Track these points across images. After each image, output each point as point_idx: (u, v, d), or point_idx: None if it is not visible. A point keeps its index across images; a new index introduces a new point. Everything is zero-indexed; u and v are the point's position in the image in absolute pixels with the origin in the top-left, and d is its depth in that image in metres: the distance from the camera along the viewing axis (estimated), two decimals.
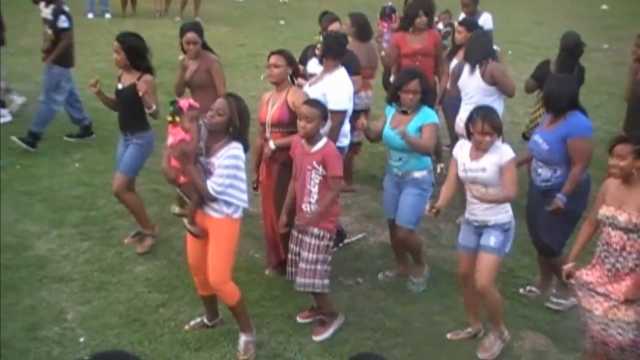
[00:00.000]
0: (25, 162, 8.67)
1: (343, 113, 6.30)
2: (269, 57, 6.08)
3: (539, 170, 5.86)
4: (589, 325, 4.95)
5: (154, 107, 6.37)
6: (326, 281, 5.43)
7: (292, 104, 5.84)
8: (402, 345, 5.56)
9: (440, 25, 9.66)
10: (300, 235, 5.43)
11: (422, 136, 5.82)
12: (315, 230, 5.33)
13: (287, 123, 5.87)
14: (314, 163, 5.29)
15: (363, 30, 8.04)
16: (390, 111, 6.05)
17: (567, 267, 5.11)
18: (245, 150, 5.08)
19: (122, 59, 6.45)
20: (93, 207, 7.56)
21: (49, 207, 7.52)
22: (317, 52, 6.56)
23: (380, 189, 6.26)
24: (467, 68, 7.28)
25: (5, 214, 7.36)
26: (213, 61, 7.05)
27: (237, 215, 5.12)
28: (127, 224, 7.08)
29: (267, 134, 6.01)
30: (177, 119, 5.04)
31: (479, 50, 7.28)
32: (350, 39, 7.48)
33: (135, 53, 6.45)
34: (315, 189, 5.33)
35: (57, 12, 8.92)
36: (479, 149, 5.19)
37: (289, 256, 5.57)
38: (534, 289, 6.34)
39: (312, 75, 6.80)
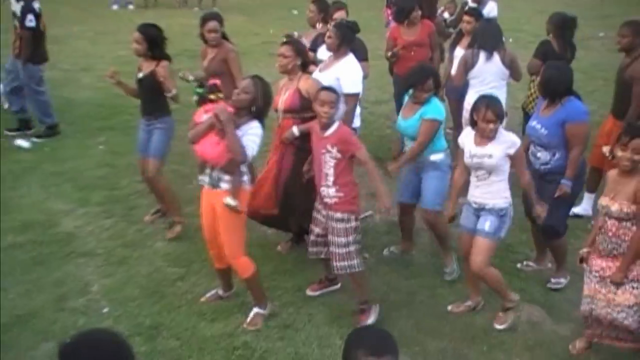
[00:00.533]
0: (54, 145, 8.76)
1: (356, 96, 6.33)
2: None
3: (538, 154, 5.79)
4: (592, 310, 4.94)
5: (173, 90, 6.40)
6: (359, 260, 5.35)
7: (305, 91, 5.80)
8: (406, 317, 5.58)
9: (446, 14, 9.61)
10: (323, 219, 5.34)
11: (418, 130, 5.78)
12: (339, 215, 5.21)
13: (299, 109, 5.84)
14: (328, 146, 5.16)
15: (328, 15, 7.76)
16: (405, 99, 6.03)
17: (582, 251, 5.05)
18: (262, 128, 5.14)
19: (143, 48, 6.44)
20: (116, 186, 7.61)
21: (75, 186, 7.58)
22: (326, 39, 6.52)
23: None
24: (483, 55, 7.21)
25: (35, 194, 7.45)
26: (230, 50, 7.03)
27: (246, 187, 5.18)
28: (147, 202, 7.13)
29: (280, 120, 6.00)
30: (214, 96, 5.13)
31: (495, 36, 7.32)
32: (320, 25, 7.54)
33: (154, 43, 6.45)
34: (330, 171, 5.19)
35: (25, 10, 8.72)
36: (484, 136, 5.14)
37: (311, 237, 5.51)
38: (531, 263, 6.35)
39: (321, 61, 6.79)
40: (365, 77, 6.79)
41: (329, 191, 5.22)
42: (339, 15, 7.38)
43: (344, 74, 6.19)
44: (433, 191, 5.96)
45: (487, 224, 5.20)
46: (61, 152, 8.57)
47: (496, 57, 7.24)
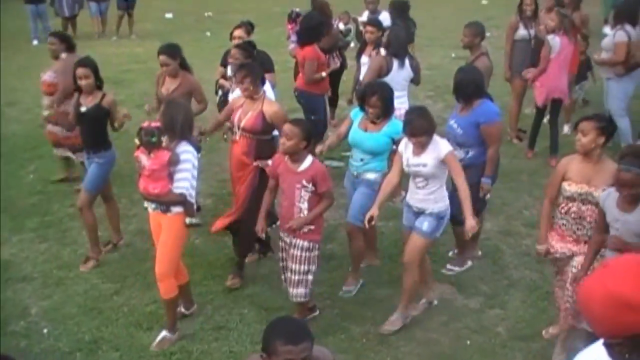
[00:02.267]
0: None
1: None
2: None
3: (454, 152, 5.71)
4: (571, 292, 4.73)
5: (116, 124, 6.22)
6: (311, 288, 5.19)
7: (269, 117, 5.61)
8: (330, 307, 5.64)
9: (341, 25, 9.68)
10: (288, 248, 5.13)
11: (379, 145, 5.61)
12: (306, 243, 5.01)
13: (260, 131, 5.67)
14: (304, 181, 4.91)
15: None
16: (358, 114, 5.79)
17: (541, 248, 4.91)
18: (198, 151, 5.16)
19: (92, 81, 6.05)
20: (48, 212, 7.39)
21: (9, 215, 7.31)
22: (230, 60, 6.56)
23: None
24: (396, 62, 7.16)
25: None
26: (193, 83, 6.55)
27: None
28: (79, 224, 6.93)
29: (237, 137, 5.78)
30: (157, 141, 4.92)
31: (404, 44, 7.38)
32: None
33: (97, 72, 6.14)
34: (304, 205, 4.96)
35: None
36: (417, 147, 5.04)
37: (280, 264, 5.31)
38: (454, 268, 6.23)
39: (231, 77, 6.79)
40: (273, 86, 6.79)
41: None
42: (238, 33, 7.30)
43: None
44: (359, 207, 5.66)
45: (425, 224, 5.11)
46: None
47: (407, 63, 7.27)
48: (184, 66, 6.56)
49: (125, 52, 15.12)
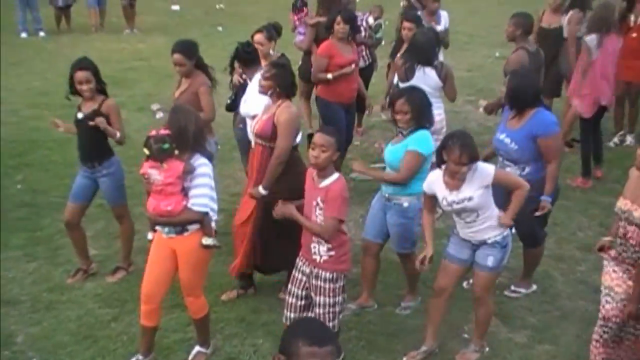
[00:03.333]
0: None
1: None
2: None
3: (507, 169, 5.74)
4: (605, 306, 4.83)
5: (118, 134, 6.14)
6: (340, 317, 5.15)
7: (276, 119, 5.68)
8: (357, 338, 5.65)
9: (371, 19, 9.69)
10: (309, 280, 5.00)
11: (400, 164, 5.54)
12: (328, 274, 4.91)
13: (269, 138, 5.73)
14: (319, 199, 4.80)
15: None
16: None
17: (605, 239, 4.93)
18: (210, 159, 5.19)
19: (94, 86, 6.08)
20: (38, 227, 7.47)
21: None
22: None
23: None
24: (419, 69, 7.12)
25: None
26: (202, 84, 6.52)
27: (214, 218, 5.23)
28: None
29: (252, 144, 5.96)
30: (170, 148, 4.94)
31: (428, 48, 7.24)
32: None
33: (99, 76, 6.16)
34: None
35: None
36: (455, 179, 4.96)
37: (290, 299, 5.14)
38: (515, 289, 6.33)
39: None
40: None
41: (319, 248, 4.89)
42: (258, 38, 7.26)
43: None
44: (400, 237, 5.77)
45: (490, 259, 5.10)
46: None
47: (432, 70, 7.17)
48: (200, 66, 6.61)
49: (126, 48, 15.26)
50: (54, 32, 16.60)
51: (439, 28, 8.56)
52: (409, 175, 5.53)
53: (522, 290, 6.26)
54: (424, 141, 5.56)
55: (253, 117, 6.12)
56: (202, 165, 5.00)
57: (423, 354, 5.45)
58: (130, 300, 6.07)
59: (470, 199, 4.93)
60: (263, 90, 5.85)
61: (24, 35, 16.24)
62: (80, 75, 6.02)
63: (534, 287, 6.32)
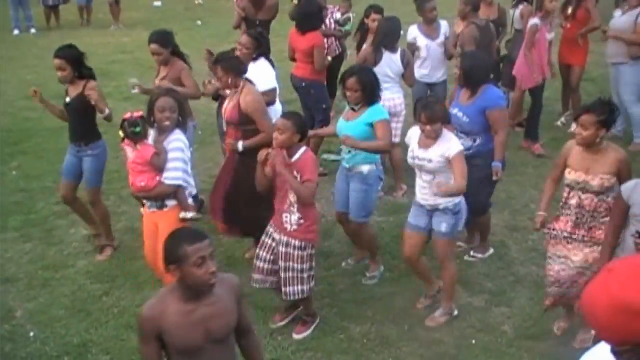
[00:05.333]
0: None
1: (273, 91, 6.56)
2: None
3: (461, 141, 5.63)
4: (558, 271, 4.91)
5: (107, 111, 6.06)
6: (312, 284, 5.17)
7: (244, 108, 5.67)
8: (329, 306, 5.64)
9: (338, 15, 9.60)
10: (276, 246, 5.06)
11: (376, 135, 5.50)
12: (298, 242, 4.97)
13: (238, 123, 5.72)
14: (295, 173, 4.89)
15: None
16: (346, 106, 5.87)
17: (540, 215, 5.03)
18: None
19: (68, 73, 6.02)
20: (32, 210, 7.39)
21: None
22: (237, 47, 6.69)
23: None
24: (386, 54, 7.20)
25: None
26: (182, 69, 6.47)
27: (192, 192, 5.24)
28: (66, 223, 6.97)
29: (224, 127, 5.97)
30: (142, 132, 5.00)
31: (396, 35, 7.32)
32: None
33: (78, 63, 6.08)
34: (295, 199, 4.92)
35: None
36: (428, 137, 5.05)
37: (258, 263, 5.17)
38: (461, 243, 6.35)
39: None
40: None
41: (291, 218, 4.97)
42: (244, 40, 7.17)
43: (258, 75, 6.32)
44: (358, 205, 5.74)
45: (443, 225, 5.13)
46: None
47: (397, 55, 7.24)
48: (177, 54, 6.55)
49: (112, 42, 15.10)
50: (45, 29, 16.37)
51: (439, 40, 8.07)
52: (390, 140, 5.78)
53: (480, 255, 6.31)
54: (382, 111, 5.68)
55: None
56: (175, 140, 4.97)
57: (430, 299, 5.63)
58: (120, 276, 6.04)
59: (430, 160, 5.03)
60: (224, 87, 5.92)
61: (16, 32, 16.05)
62: (55, 63, 6.03)
63: (491, 250, 6.37)
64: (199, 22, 16.57)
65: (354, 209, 5.77)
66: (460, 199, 5.14)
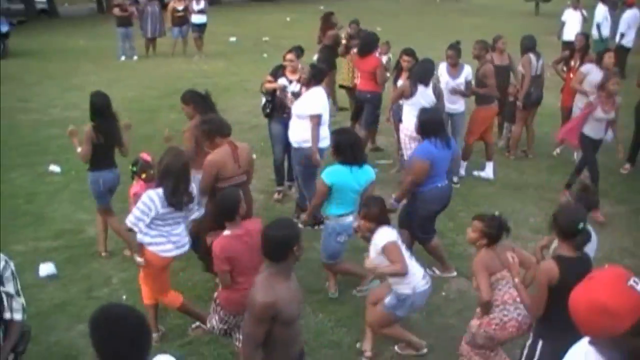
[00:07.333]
0: (79, 169, 8.62)
1: (317, 117, 6.46)
2: None
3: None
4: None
5: (77, 149, 5.85)
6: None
7: None
8: (340, 304, 5.63)
9: (385, 58, 9.70)
10: None
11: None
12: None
13: None
14: None
15: None
16: None
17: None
18: None
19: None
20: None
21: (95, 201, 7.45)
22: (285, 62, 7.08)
23: None
24: (421, 87, 7.20)
25: (65, 208, 7.41)
26: (194, 126, 5.65)
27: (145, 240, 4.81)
28: None
29: None
30: (145, 174, 5.15)
31: (430, 72, 7.37)
32: None
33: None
34: None
35: None
36: (360, 234, 4.83)
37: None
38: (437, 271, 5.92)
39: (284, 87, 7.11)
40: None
41: None
42: (289, 56, 7.27)
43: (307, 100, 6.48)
44: (322, 245, 5.49)
45: (388, 297, 4.65)
46: (84, 174, 8.43)
47: (430, 89, 7.23)
48: (201, 110, 5.91)
49: (195, 69, 15.32)
50: (144, 56, 16.69)
51: (459, 80, 7.93)
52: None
53: (447, 275, 5.93)
54: (329, 171, 5.22)
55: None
56: (147, 194, 4.64)
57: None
58: (193, 257, 5.98)
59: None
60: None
61: (122, 58, 16.34)
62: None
63: (454, 273, 5.97)
64: (265, 55, 16.73)
65: (321, 249, 5.56)
66: (411, 291, 4.52)
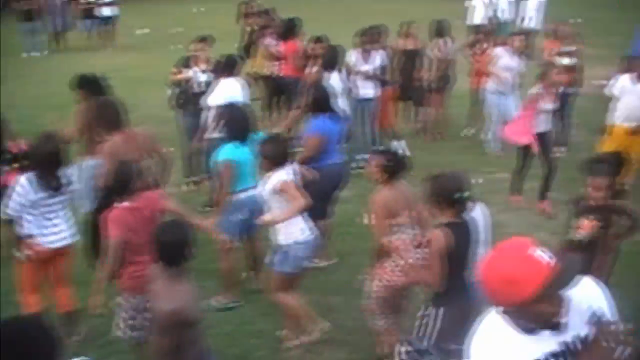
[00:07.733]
0: None
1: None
2: None
3: None
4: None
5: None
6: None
7: None
8: None
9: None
10: None
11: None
12: None
13: None
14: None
15: None
16: None
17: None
18: None
19: None
20: None
21: None
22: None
23: None
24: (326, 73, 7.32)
25: None
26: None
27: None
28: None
29: None
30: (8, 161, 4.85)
31: (335, 59, 7.42)
32: None
33: None
34: None
35: None
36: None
37: None
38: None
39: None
40: None
41: None
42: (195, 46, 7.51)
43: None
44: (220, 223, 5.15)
45: (275, 257, 4.71)
46: None
47: (338, 74, 7.27)
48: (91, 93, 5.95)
49: (106, 62, 14.79)
50: (55, 52, 16.01)
51: (370, 66, 8.04)
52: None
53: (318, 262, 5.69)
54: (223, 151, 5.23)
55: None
56: (17, 180, 4.47)
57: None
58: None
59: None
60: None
61: (25, 55, 15.57)
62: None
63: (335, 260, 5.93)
64: (179, 46, 16.30)
65: None
66: (289, 241, 4.54)
